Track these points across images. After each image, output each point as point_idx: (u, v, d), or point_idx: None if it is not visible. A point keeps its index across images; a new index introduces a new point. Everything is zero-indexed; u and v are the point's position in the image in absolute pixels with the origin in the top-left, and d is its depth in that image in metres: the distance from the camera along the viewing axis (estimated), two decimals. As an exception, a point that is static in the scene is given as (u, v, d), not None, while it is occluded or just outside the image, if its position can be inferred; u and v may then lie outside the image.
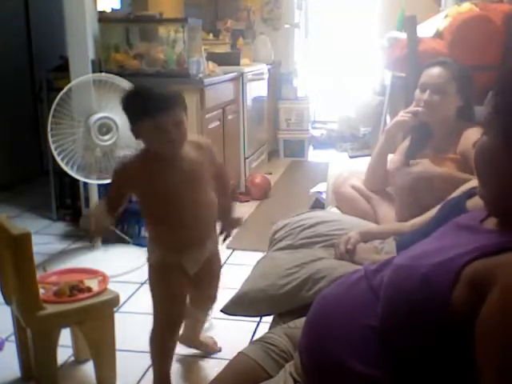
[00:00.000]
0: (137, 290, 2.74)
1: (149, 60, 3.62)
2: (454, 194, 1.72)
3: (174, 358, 1.94)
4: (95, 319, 1.90)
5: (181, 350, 2.10)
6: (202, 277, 1.89)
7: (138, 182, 1.76)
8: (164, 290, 1.82)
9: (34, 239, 1.79)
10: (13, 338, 2.08)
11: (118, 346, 1.94)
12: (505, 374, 0.80)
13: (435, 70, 2.14)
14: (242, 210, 4.15)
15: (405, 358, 0.94)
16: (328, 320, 1.05)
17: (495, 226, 1.00)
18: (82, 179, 2.92)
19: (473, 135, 2.08)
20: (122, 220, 3.32)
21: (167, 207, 1.77)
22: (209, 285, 1.96)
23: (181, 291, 1.85)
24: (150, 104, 1.67)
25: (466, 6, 2.71)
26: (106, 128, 2.86)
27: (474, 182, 1.73)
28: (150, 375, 1.94)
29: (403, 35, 2.73)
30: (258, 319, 2.39)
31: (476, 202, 1.51)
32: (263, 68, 5.27)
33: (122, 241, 3.29)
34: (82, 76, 2.99)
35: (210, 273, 1.93)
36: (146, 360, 1.94)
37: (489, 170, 0.96)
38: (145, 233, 3.37)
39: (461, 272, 0.89)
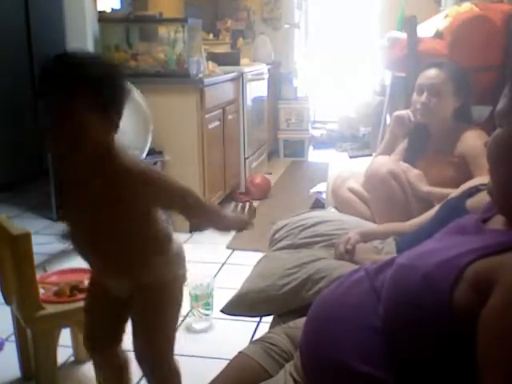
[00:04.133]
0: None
1: (149, 60, 3.63)
2: (454, 194, 1.72)
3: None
4: (95, 319, 1.90)
5: (180, 349, 2.09)
6: (136, 307, 1.45)
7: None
8: (85, 300, 1.58)
9: (34, 239, 1.79)
10: (13, 338, 2.08)
11: (118, 346, 1.94)
12: (507, 378, 0.79)
13: (432, 72, 2.15)
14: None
15: (408, 358, 0.93)
16: (329, 321, 1.05)
17: (500, 226, 0.99)
18: (81, 179, 2.91)
19: (472, 137, 2.08)
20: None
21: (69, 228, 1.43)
22: (142, 320, 1.45)
23: (97, 307, 1.52)
24: (39, 73, 1.19)
25: (466, 6, 2.71)
26: (105, 128, 2.86)
27: (473, 182, 1.73)
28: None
29: (403, 35, 2.73)
30: (258, 319, 2.39)
31: (476, 202, 1.51)
32: (263, 68, 5.27)
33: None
34: (81, 76, 2.99)
35: (144, 306, 1.43)
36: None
37: (503, 162, 0.95)
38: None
39: (463, 271, 0.88)
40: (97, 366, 1.60)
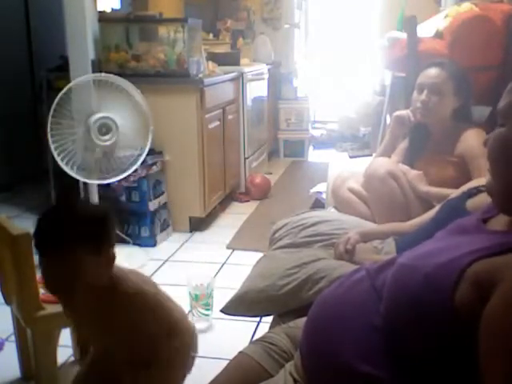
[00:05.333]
0: (137, 290, 2.73)
1: (149, 60, 3.63)
2: (454, 194, 1.72)
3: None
4: (95, 319, 1.90)
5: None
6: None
7: None
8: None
9: (34, 239, 1.79)
10: (13, 338, 2.08)
11: (118, 346, 1.94)
12: (509, 378, 0.79)
13: (432, 71, 2.15)
14: (242, 209, 4.16)
15: (408, 358, 0.93)
16: (329, 321, 1.05)
17: (501, 226, 0.99)
18: (82, 179, 2.92)
19: (472, 137, 2.09)
20: (121, 220, 3.32)
21: None
22: None
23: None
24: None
25: (466, 6, 2.71)
26: (105, 128, 2.86)
27: (474, 183, 1.73)
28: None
29: (403, 35, 2.73)
30: (258, 319, 2.38)
31: (476, 202, 1.51)
32: (263, 68, 5.27)
33: (121, 241, 3.29)
34: (81, 76, 2.98)
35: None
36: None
37: (505, 161, 0.94)
38: (145, 233, 3.37)
39: (465, 272, 0.88)
40: None
